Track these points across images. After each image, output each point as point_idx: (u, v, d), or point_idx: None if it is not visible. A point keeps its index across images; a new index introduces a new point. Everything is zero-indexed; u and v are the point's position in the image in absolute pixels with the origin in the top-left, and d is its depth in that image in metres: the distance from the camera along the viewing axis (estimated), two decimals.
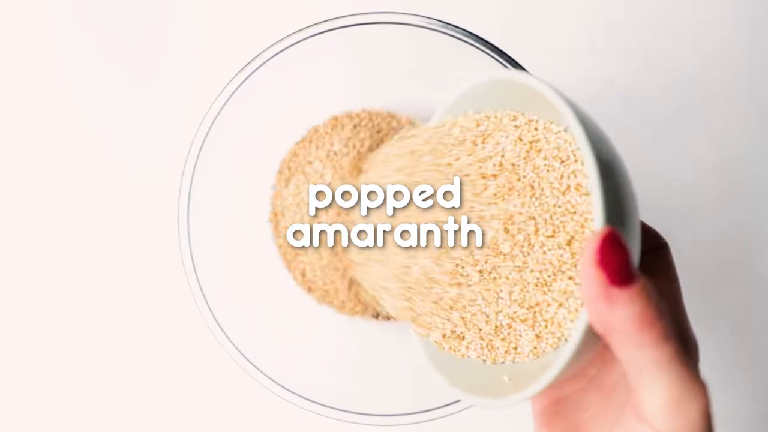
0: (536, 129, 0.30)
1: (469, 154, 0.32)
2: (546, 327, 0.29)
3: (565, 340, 0.28)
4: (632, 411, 0.27)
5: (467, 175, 0.31)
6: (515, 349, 0.30)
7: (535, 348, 0.29)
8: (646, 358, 0.25)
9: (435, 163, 0.32)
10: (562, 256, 0.28)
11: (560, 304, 0.28)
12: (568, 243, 0.28)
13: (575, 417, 0.30)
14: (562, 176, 0.29)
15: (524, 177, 0.30)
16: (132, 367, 0.48)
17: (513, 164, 0.30)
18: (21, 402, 0.48)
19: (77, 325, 0.48)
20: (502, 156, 0.31)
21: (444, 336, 0.32)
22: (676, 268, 0.31)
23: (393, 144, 0.35)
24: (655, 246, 0.31)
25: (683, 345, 0.26)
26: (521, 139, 0.30)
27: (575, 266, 0.28)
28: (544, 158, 0.29)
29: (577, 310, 0.28)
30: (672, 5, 0.49)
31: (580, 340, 0.26)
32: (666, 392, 0.25)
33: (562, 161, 0.29)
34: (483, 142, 0.31)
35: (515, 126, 0.31)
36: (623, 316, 0.25)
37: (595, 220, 0.26)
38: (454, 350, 0.32)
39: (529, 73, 0.29)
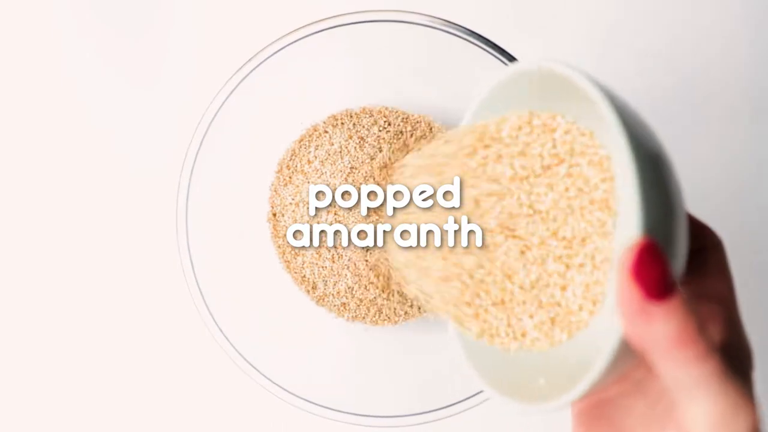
0: (563, 123, 0.28)
1: (485, 154, 0.30)
2: (557, 314, 0.28)
3: (579, 328, 0.27)
4: (676, 425, 0.26)
5: (495, 180, 0.30)
6: (522, 335, 0.29)
7: (547, 334, 0.28)
8: (687, 375, 0.24)
9: (462, 167, 0.31)
10: (564, 244, 0.28)
11: (563, 287, 0.28)
12: (566, 233, 0.27)
13: (618, 421, 0.28)
14: (580, 174, 0.27)
15: (552, 175, 0.28)
16: (131, 368, 0.48)
17: (537, 162, 0.29)
18: (20, 402, 0.48)
19: (75, 325, 0.48)
20: (541, 158, 0.29)
21: (460, 320, 0.31)
22: (730, 268, 0.28)
23: (425, 149, 0.34)
24: (707, 244, 0.29)
25: (733, 354, 0.25)
26: (547, 138, 0.29)
27: (569, 249, 0.27)
28: (572, 154, 0.28)
29: (584, 298, 0.27)
30: (672, 5, 0.49)
31: (616, 350, 0.24)
32: (710, 410, 0.24)
33: (596, 160, 0.27)
34: (508, 143, 0.30)
35: (538, 122, 0.29)
36: (661, 331, 0.23)
37: (632, 227, 0.24)
38: (468, 330, 0.30)
39: (557, 62, 0.27)
